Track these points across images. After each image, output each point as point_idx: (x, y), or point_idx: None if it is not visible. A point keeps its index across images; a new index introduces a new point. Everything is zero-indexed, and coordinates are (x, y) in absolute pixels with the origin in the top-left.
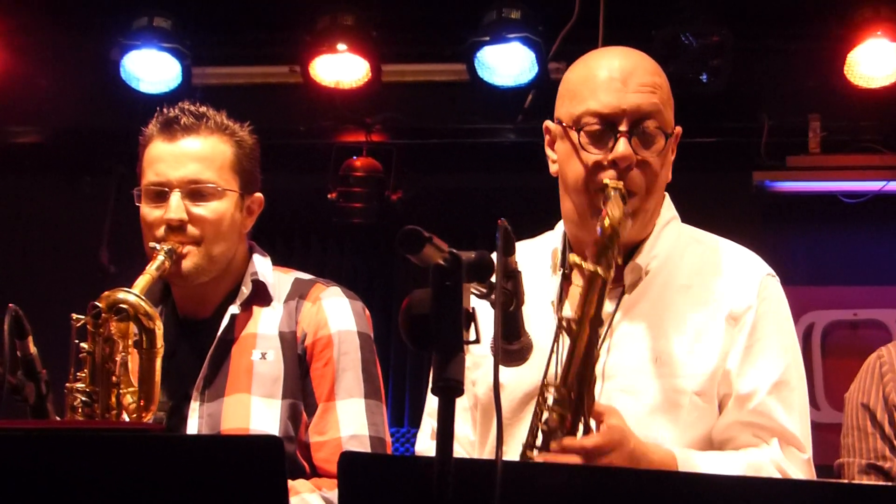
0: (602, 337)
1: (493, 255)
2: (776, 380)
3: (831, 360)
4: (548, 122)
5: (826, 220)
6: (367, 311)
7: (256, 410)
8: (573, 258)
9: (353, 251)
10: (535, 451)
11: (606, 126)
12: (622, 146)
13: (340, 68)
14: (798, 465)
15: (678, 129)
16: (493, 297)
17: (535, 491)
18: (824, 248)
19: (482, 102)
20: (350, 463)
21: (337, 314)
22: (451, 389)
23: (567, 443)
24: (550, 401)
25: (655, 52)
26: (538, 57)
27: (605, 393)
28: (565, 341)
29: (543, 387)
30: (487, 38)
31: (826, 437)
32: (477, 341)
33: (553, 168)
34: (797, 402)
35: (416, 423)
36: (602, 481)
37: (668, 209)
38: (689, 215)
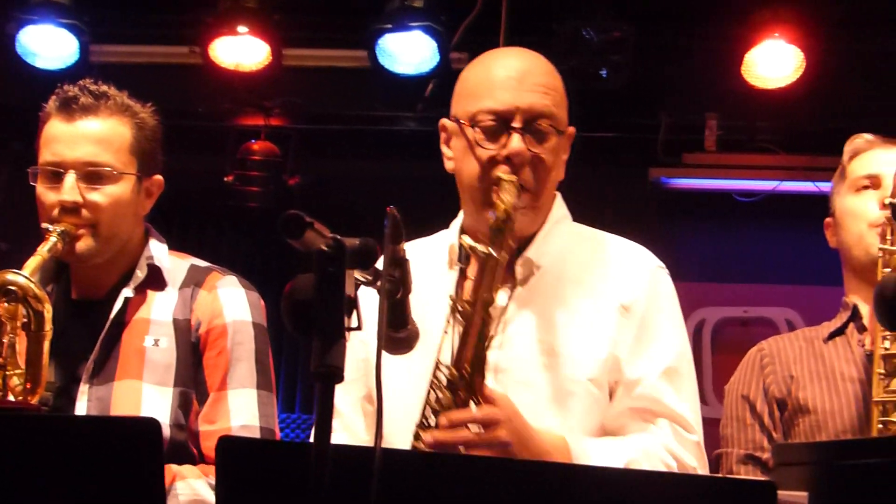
0: (495, 331)
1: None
2: (666, 366)
3: (721, 356)
4: (444, 120)
5: (720, 217)
6: (262, 302)
7: (148, 398)
8: (467, 241)
9: (249, 235)
10: (427, 431)
11: (501, 123)
12: (516, 142)
13: (241, 51)
14: (688, 448)
15: (572, 129)
16: (378, 284)
17: (414, 478)
18: (717, 245)
19: (383, 90)
20: (228, 447)
21: (232, 304)
22: (330, 376)
23: (456, 415)
24: (443, 381)
25: (556, 45)
26: (440, 46)
27: (499, 386)
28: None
29: (436, 368)
30: (389, 26)
31: (715, 431)
32: (359, 328)
33: (449, 165)
34: (687, 388)
35: (307, 409)
36: (482, 471)
37: (560, 207)
38: (587, 209)
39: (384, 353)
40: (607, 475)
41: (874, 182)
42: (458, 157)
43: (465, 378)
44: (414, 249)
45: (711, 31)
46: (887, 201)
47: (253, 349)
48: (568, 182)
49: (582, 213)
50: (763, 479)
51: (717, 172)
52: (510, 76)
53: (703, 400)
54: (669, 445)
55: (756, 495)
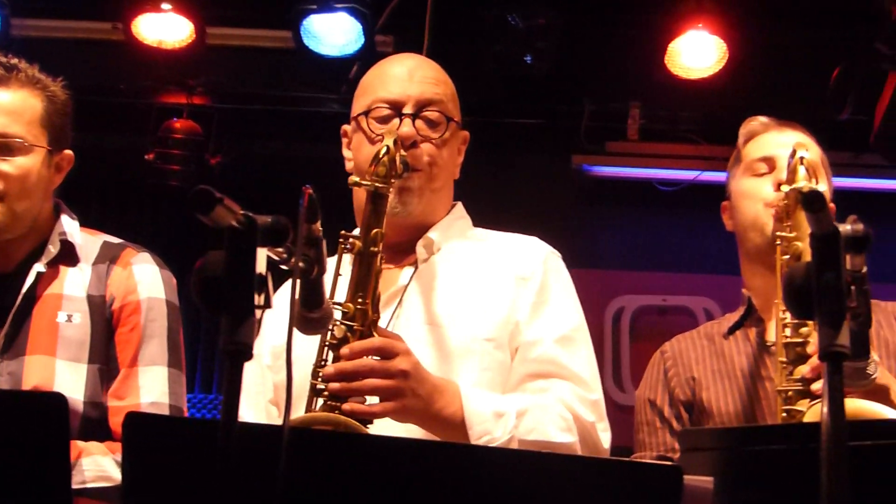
0: (394, 307)
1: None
2: (563, 333)
3: (639, 343)
4: (344, 126)
5: (641, 206)
6: (175, 280)
7: (61, 374)
8: (352, 178)
9: (169, 214)
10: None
11: (393, 110)
12: (406, 125)
13: (164, 28)
14: (586, 404)
15: (465, 133)
16: (292, 263)
17: (322, 457)
18: (638, 233)
19: (307, 71)
20: (135, 424)
21: (147, 281)
22: (239, 353)
23: (358, 345)
24: (339, 317)
25: (482, 31)
26: (365, 28)
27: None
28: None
29: (328, 300)
30: (315, 7)
31: (631, 418)
32: (268, 306)
33: (349, 166)
34: (584, 353)
35: (205, 388)
36: (387, 450)
37: (460, 210)
38: (509, 195)
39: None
40: (511, 456)
41: (769, 164)
42: (356, 151)
43: (358, 312)
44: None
45: (636, 20)
46: (785, 188)
47: (165, 327)
48: (492, 169)
49: (505, 200)
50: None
51: (639, 161)
52: (402, 71)
53: (621, 388)
54: (566, 400)
55: (662, 479)
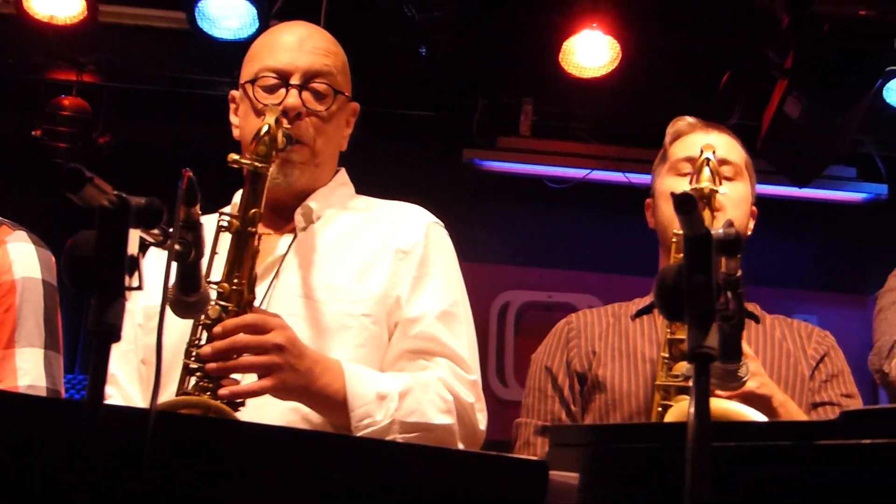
0: (271, 279)
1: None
2: (443, 309)
3: (523, 339)
4: (233, 92)
5: (530, 202)
6: (53, 259)
7: None
8: (232, 156)
9: (55, 192)
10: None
11: (281, 80)
12: (292, 97)
13: (55, 3)
14: (465, 384)
15: (355, 104)
16: (168, 245)
17: (187, 441)
18: (527, 229)
19: (200, 53)
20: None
21: (22, 260)
22: (107, 334)
23: (231, 322)
24: (214, 297)
25: (377, 20)
26: (260, 13)
27: None
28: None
29: (206, 284)
30: None
31: (513, 413)
32: (139, 288)
33: (235, 133)
34: (464, 332)
35: (86, 369)
36: (254, 437)
37: (343, 176)
38: (400, 186)
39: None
40: (378, 447)
41: (693, 164)
42: (242, 118)
43: (233, 291)
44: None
45: (532, 17)
46: (690, 187)
47: (42, 307)
48: (382, 158)
49: (395, 190)
50: (537, 458)
51: (530, 157)
52: (292, 40)
53: (504, 383)
54: (446, 379)
55: (528, 473)
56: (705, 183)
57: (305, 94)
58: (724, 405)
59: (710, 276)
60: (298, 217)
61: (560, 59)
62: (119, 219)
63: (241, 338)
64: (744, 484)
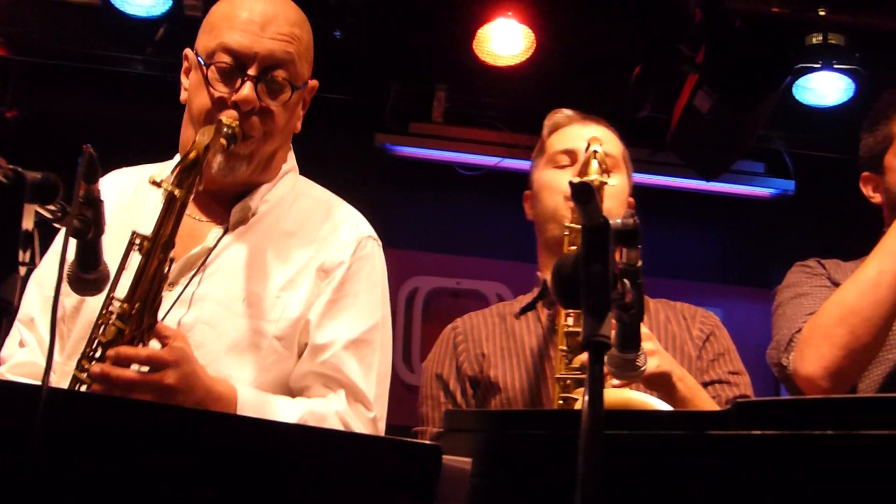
0: (192, 273)
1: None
2: (356, 337)
3: (431, 325)
4: (187, 50)
5: (441, 189)
6: None
7: None
8: (153, 177)
9: None
10: (92, 363)
11: (237, 66)
12: (247, 89)
13: None
14: (362, 422)
15: (314, 82)
16: (66, 221)
17: (81, 420)
18: (437, 216)
19: (112, 29)
20: None
21: None
22: (0, 309)
23: (124, 351)
24: (114, 315)
25: (294, 2)
26: None
27: (187, 322)
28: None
29: (108, 300)
30: None
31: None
32: (33, 264)
33: (183, 96)
34: (375, 363)
35: None
36: (149, 416)
37: (290, 162)
38: (311, 168)
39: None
40: (273, 428)
41: (571, 157)
42: (192, 90)
43: (134, 314)
44: (124, 176)
45: (447, 4)
46: (576, 180)
47: None
48: (294, 139)
49: (306, 171)
50: (430, 442)
51: (442, 144)
52: (253, 20)
53: (411, 368)
54: (343, 415)
55: (421, 457)
56: (594, 175)
57: (261, 87)
58: (627, 394)
59: (607, 266)
60: (235, 214)
61: (474, 47)
62: (14, 193)
63: (130, 375)
64: (636, 472)
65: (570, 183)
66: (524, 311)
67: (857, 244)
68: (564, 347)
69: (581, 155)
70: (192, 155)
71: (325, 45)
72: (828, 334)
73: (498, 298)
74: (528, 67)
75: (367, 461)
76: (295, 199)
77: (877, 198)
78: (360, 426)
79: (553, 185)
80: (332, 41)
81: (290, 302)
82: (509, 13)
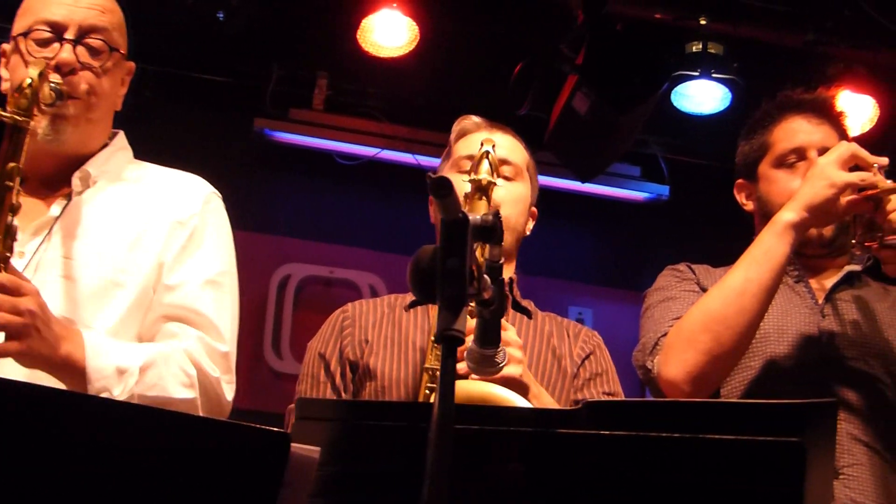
0: (41, 241)
1: None
2: (209, 277)
3: (302, 312)
4: (3, 45)
5: (319, 177)
6: None
7: None
8: None
9: None
10: None
11: (54, 34)
12: (66, 51)
13: None
14: (214, 357)
15: (131, 64)
16: None
17: None
18: (313, 204)
19: None
20: None
21: None
22: None
23: None
24: None
25: None
26: None
27: (39, 277)
28: None
29: None
30: None
31: (287, 385)
32: None
33: (4, 86)
34: (226, 301)
35: None
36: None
37: (122, 140)
38: (188, 149)
39: None
40: (117, 409)
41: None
42: (11, 74)
43: None
44: None
45: None
46: (469, 178)
47: None
48: (172, 119)
49: (184, 155)
50: (282, 430)
51: (321, 132)
52: None
53: (280, 355)
54: (193, 353)
55: (269, 445)
56: (483, 174)
57: (80, 49)
58: (488, 389)
59: (465, 261)
60: (76, 181)
61: (358, 36)
62: None
63: None
64: (486, 467)
65: (428, 176)
66: (414, 304)
67: (729, 251)
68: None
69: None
70: (26, 82)
71: (207, 26)
72: (692, 340)
73: (370, 289)
74: (410, 60)
75: (215, 445)
76: (133, 170)
77: (749, 205)
78: (209, 362)
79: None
80: (215, 22)
81: (144, 251)
82: (394, 4)
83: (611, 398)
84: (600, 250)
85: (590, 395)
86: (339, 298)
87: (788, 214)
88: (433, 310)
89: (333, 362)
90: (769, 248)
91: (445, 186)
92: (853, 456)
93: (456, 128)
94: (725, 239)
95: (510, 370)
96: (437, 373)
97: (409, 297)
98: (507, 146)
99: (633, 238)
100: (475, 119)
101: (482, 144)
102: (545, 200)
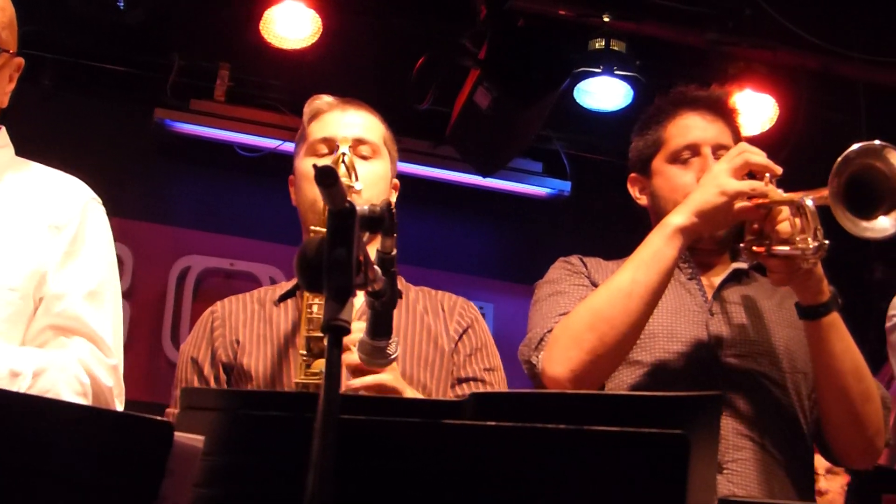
0: None
1: None
2: (91, 289)
3: (202, 305)
4: None
5: (219, 168)
6: None
7: None
8: None
9: None
10: None
11: None
12: None
13: None
14: (104, 368)
15: (19, 60)
16: None
17: None
18: (214, 195)
19: None
20: None
21: None
22: None
23: None
24: None
25: None
26: None
27: None
28: None
29: None
30: None
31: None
32: None
33: None
34: (109, 312)
35: None
36: None
37: (3, 137)
38: (86, 140)
39: None
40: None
41: (329, 146)
42: None
43: None
44: None
45: None
46: (320, 163)
47: None
48: (71, 108)
49: (81, 142)
50: (165, 420)
51: (222, 123)
52: None
53: (177, 347)
54: (86, 361)
55: (151, 433)
56: (342, 180)
57: None
58: (380, 379)
59: (351, 251)
60: None
61: (260, 28)
62: None
63: None
64: (372, 457)
65: (314, 166)
66: (284, 297)
67: (629, 248)
68: (309, 328)
69: (339, 144)
70: None
71: (107, 14)
72: (577, 338)
73: (270, 281)
74: (313, 52)
75: (98, 434)
76: (14, 171)
77: (643, 199)
78: (102, 372)
79: (310, 176)
80: (115, 11)
81: (22, 256)
82: None
83: (491, 373)
84: (502, 245)
85: (472, 373)
86: (239, 290)
87: (678, 218)
88: (302, 302)
89: (207, 367)
90: (657, 250)
91: (331, 176)
92: (738, 451)
93: (307, 108)
94: (627, 235)
95: (382, 377)
96: (305, 360)
97: (279, 290)
98: (362, 124)
99: (534, 233)
100: (327, 98)
101: (338, 146)
102: (446, 195)
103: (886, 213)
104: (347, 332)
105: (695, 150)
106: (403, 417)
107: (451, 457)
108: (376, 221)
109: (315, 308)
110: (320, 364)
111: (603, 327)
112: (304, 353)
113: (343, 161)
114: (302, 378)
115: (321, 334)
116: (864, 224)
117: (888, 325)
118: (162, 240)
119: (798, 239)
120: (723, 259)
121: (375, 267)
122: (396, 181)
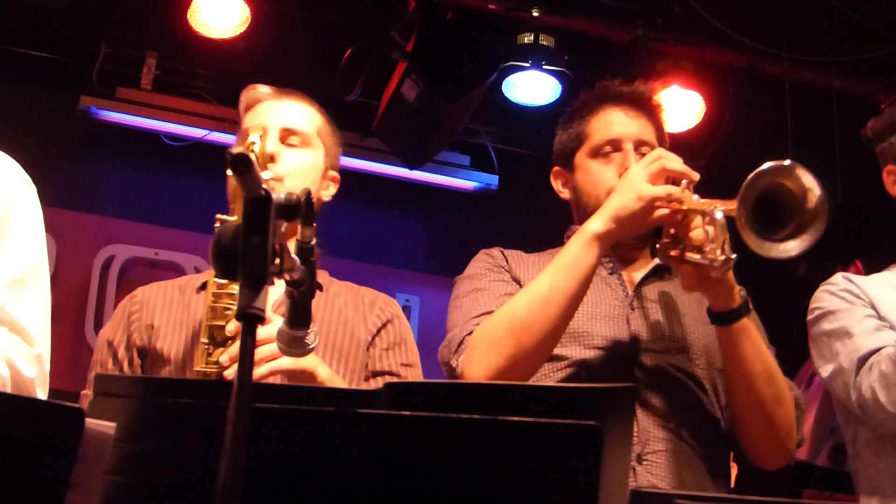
0: None
1: None
2: (16, 276)
3: (126, 293)
4: None
5: (145, 157)
6: None
7: None
8: None
9: None
10: None
11: None
12: None
13: None
14: (28, 360)
15: None
16: None
17: None
18: (139, 184)
19: None
20: None
21: None
22: None
23: None
24: None
25: None
26: None
27: None
28: None
29: None
30: None
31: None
32: None
33: None
34: (36, 302)
35: None
36: None
37: None
38: (11, 127)
39: None
40: None
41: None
42: None
43: None
44: None
45: None
46: (237, 150)
47: None
48: None
49: (4, 130)
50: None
51: (149, 112)
52: None
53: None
54: (8, 353)
55: (62, 420)
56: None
57: None
58: (300, 364)
59: (266, 238)
60: None
61: (188, 17)
62: None
63: None
64: (284, 446)
65: (227, 152)
66: (205, 285)
67: (556, 243)
68: (212, 316)
69: (270, 133)
70: None
71: (35, 3)
72: (496, 343)
73: (195, 271)
74: (241, 42)
75: (5, 421)
76: None
77: (565, 193)
78: (26, 364)
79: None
80: None
81: None
82: None
83: (407, 369)
84: (428, 238)
85: (388, 366)
86: (163, 280)
87: (596, 225)
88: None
89: (121, 350)
90: (576, 257)
91: (244, 162)
92: (658, 443)
93: (243, 99)
94: (554, 229)
95: (280, 362)
96: (207, 349)
97: (202, 278)
98: (294, 114)
99: (461, 226)
100: (262, 89)
101: (249, 134)
102: (374, 187)
103: (793, 233)
104: (262, 320)
105: (616, 145)
106: (317, 406)
107: (364, 446)
108: (293, 210)
109: (224, 298)
110: (220, 353)
111: (521, 333)
112: (206, 341)
113: (252, 149)
114: (202, 367)
115: (222, 323)
116: (768, 244)
117: (809, 317)
118: (87, 229)
119: (708, 249)
120: (644, 254)
121: (294, 256)
122: (335, 174)
